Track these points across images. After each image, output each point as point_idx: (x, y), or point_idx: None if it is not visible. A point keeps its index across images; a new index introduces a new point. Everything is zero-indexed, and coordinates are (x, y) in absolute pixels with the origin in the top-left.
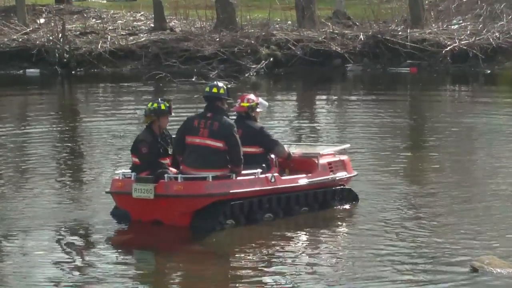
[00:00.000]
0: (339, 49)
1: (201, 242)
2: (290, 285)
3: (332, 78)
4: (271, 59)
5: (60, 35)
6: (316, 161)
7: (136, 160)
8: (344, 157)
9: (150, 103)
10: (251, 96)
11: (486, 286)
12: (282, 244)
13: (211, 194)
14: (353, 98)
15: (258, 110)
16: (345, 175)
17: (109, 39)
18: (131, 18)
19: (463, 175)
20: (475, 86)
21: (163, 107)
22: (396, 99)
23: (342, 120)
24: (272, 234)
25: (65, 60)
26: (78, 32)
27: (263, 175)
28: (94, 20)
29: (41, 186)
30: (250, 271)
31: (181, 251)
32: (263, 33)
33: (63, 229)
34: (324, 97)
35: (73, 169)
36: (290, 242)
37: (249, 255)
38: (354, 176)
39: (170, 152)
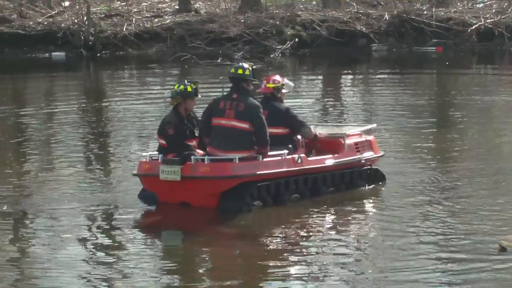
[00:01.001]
0: (364, 29)
1: (228, 224)
2: (316, 270)
3: (357, 58)
4: (296, 39)
5: (85, 18)
6: (343, 142)
7: (163, 141)
8: (370, 137)
9: (177, 85)
10: (277, 77)
11: None
12: (308, 226)
13: (237, 175)
14: (379, 78)
15: (283, 91)
16: (372, 155)
17: (134, 22)
18: (156, 0)
19: (489, 155)
20: (501, 65)
21: (189, 89)
22: (422, 79)
23: (367, 100)
24: (299, 215)
25: (90, 43)
26: (103, 15)
27: (289, 156)
28: (118, 2)
29: (68, 168)
30: (277, 253)
31: (208, 232)
32: (288, 14)
33: (90, 211)
34: (349, 77)
35: (99, 151)
36: (317, 225)
37: (276, 237)
38: (380, 156)
39: (196, 134)
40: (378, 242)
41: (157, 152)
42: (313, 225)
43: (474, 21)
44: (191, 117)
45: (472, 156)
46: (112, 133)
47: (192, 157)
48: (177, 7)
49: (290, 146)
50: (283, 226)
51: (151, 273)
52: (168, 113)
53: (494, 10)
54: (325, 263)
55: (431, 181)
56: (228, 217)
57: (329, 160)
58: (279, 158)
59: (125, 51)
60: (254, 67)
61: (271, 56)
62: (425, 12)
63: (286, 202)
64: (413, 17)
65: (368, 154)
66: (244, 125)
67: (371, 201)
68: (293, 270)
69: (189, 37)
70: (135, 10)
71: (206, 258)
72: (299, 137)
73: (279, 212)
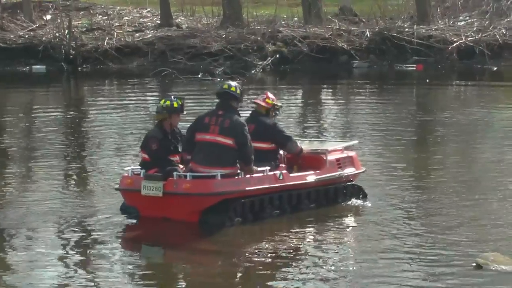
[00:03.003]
0: (346, 45)
1: (209, 239)
2: (295, 285)
3: (338, 75)
4: (277, 55)
5: (66, 31)
6: (324, 158)
7: (146, 156)
8: (352, 153)
9: (163, 100)
10: (273, 96)
11: (490, 282)
12: (288, 242)
13: (219, 192)
14: (359, 94)
15: (278, 112)
16: (353, 171)
17: (115, 36)
18: (138, 15)
19: (468, 172)
20: (481, 83)
21: (175, 104)
22: (402, 96)
23: (348, 116)
24: (279, 231)
25: (71, 56)
26: (84, 29)
27: (271, 173)
28: (100, 16)
29: (46, 181)
30: (257, 269)
31: (188, 248)
32: (270, 30)
33: (70, 225)
34: (330, 93)
35: (79, 165)
36: (297, 240)
37: (256, 253)
38: (362, 172)
39: (180, 149)
40: (357, 257)
41: (139, 167)
42: (293, 241)
43: (455, 39)
44: (175, 133)
45: (451, 173)
46: (92, 147)
47: (175, 173)
48: (159, 22)
49: (272, 162)
50: (263, 242)
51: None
52: (152, 128)
53: (475, 28)
54: (304, 278)
55: (411, 197)
56: (209, 233)
57: (311, 177)
58: (261, 174)
59: (106, 65)
60: (241, 87)
61: (252, 71)
62: (406, 29)
63: (266, 218)
64: (394, 34)
65: (349, 170)
66: (228, 141)
67: (351, 217)
68: (273, 285)
69: (170, 51)
70: (116, 24)
71: (186, 274)
72: (281, 152)
73: (259, 228)
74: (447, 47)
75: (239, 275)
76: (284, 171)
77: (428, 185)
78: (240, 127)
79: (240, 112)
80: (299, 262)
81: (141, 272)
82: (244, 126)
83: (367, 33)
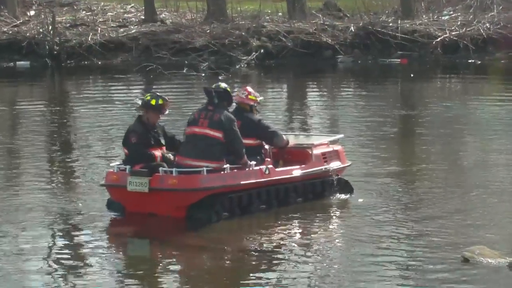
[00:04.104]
0: (330, 40)
1: (196, 234)
2: (282, 279)
3: (322, 70)
4: (262, 50)
5: (50, 27)
6: (310, 152)
7: (127, 151)
8: (338, 147)
9: (148, 95)
10: (253, 91)
11: (476, 275)
12: (274, 237)
13: (205, 187)
14: (344, 89)
15: (259, 106)
16: (339, 165)
17: (99, 31)
18: (122, 10)
19: (453, 166)
20: (465, 77)
21: (153, 102)
22: (387, 90)
23: (332, 111)
24: (266, 226)
25: (55, 52)
26: (68, 24)
27: (257, 168)
28: (84, 12)
29: (32, 179)
30: (243, 264)
31: (175, 243)
32: (254, 25)
33: (54, 220)
34: (315, 88)
35: (63, 160)
36: (283, 235)
37: (242, 248)
38: (348, 166)
39: (162, 142)
40: (343, 253)
41: (123, 163)
42: (279, 236)
43: (439, 33)
44: (156, 127)
45: (437, 166)
46: (76, 142)
47: (160, 169)
48: (143, 17)
49: (258, 157)
50: (249, 237)
51: (115, 284)
52: (133, 123)
53: (459, 23)
54: (290, 271)
55: (396, 192)
56: (196, 228)
57: (297, 171)
58: (247, 169)
59: (90, 61)
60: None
61: (236, 67)
62: (390, 24)
63: (253, 213)
64: (379, 29)
65: (335, 164)
66: (217, 134)
67: (336, 211)
68: (259, 280)
69: (155, 47)
70: (100, 20)
71: (172, 269)
72: (266, 147)
73: (245, 223)
74: (431, 42)
75: (224, 270)
76: (270, 166)
77: (413, 179)
78: (229, 121)
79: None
80: (285, 257)
81: (126, 268)
82: (234, 121)
83: (352, 28)
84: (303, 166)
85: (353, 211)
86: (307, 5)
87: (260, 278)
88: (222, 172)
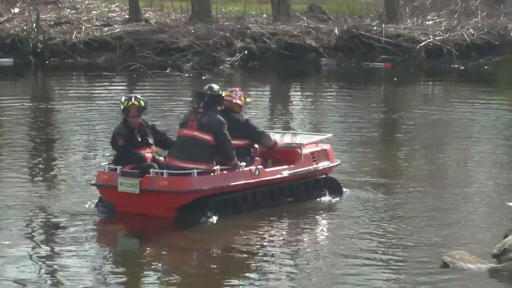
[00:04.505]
0: (314, 43)
1: (185, 235)
2: (268, 279)
3: (306, 72)
4: (246, 52)
5: (34, 25)
6: (299, 151)
7: (116, 153)
8: (326, 147)
9: (124, 98)
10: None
11: (456, 280)
12: (262, 238)
13: (196, 189)
14: (327, 92)
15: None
16: (328, 164)
17: (83, 30)
18: (106, 9)
19: (435, 171)
20: (448, 82)
21: (124, 103)
22: (370, 94)
23: (314, 113)
24: (254, 227)
25: (39, 50)
26: (52, 22)
27: (247, 168)
28: (68, 10)
29: (13, 175)
30: (232, 266)
31: (164, 244)
32: (238, 26)
33: (37, 217)
34: (298, 90)
35: (46, 158)
36: (270, 236)
37: (231, 249)
38: (337, 165)
39: (150, 141)
40: (326, 255)
41: (113, 163)
42: (266, 237)
43: (423, 38)
44: (143, 126)
45: (418, 171)
46: (58, 139)
47: (151, 170)
48: (127, 17)
49: (248, 158)
50: (238, 238)
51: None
52: (118, 124)
53: (443, 28)
54: (275, 272)
55: (375, 193)
56: (185, 229)
57: (286, 171)
58: (237, 170)
59: (73, 59)
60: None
61: (220, 67)
62: (374, 28)
63: (243, 213)
64: (363, 33)
65: (324, 164)
66: (206, 137)
67: (321, 213)
68: (246, 280)
69: (139, 46)
70: (84, 18)
71: (158, 269)
72: (256, 146)
73: (234, 224)
74: (415, 46)
75: (210, 271)
76: (260, 166)
77: (395, 182)
78: (218, 124)
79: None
80: (270, 257)
81: (113, 269)
82: (223, 124)
83: (336, 31)
84: (292, 166)
85: (337, 214)
86: (291, 8)
87: (245, 277)
88: (212, 174)
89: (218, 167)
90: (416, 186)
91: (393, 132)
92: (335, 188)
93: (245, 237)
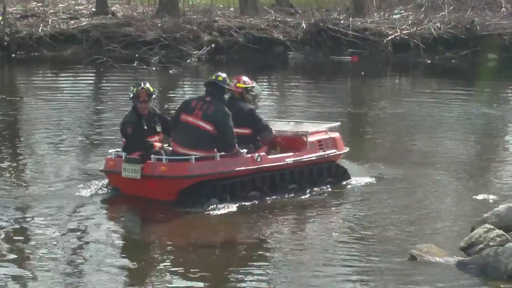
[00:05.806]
0: (281, 36)
1: (184, 223)
2: (266, 271)
3: (273, 66)
4: (213, 45)
5: (0, 18)
6: (305, 139)
7: (125, 140)
8: (334, 135)
9: (134, 85)
10: (247, 79)
11: (424, 273)
12: (265, 225)
13: (194, 175)
14: (294, 86)
15: (252, 93)
16: (335, 152)
17: (50, 23)
18: (73, 2)
19: (401, 165)
20: (415, 76)
21: (135, 90)
22: (337, 87)
23: (282, 107)
24: (254, 215)
25: (5, 43)
26: (18, 15)
27: (248, 155)
28: (35, 3)
29: None
30: (232, 255)
31: (166, 232)
32: (205, 20)
33: (20, 214)
34: (265, 84)
35: (11, 151)
36: (272, 224)
37: (231, 239)
38: (344, 152)
39: (158, 129)
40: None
41: (122, 150)
42: (268, 226)
43: (390, 32)
44: (151, 114)
45: (385, 165)
46: (24, 133)
47: (152, 156)
48: (94, 10)
49: (251, 145)
50: (237, 227)
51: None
52: (127, 113)
53: (410, 22)
54: (271, 262)
55: (343, 188)
56: (185, 216)
57: (290, 158)
58: (237, 157)
59: (40, 52)
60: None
61: (187, 61)
62: (342, 21)
63: (244, 199)
64: (330, 26)
65: (330, 152)
66: (208, 127)
67: (310, 203)
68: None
69: (105, 39)
70: (51, 11)
71: (162, 258)
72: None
73: (236, 212)
74: (382, 40)
75: (210, 261)
76: (263, 153)
77: (361, 176)
78: (222, 115)
79: None
80: (269, 246)
81: (114, 255)
82: (227, 115)
83: (303, 24)
84: (297, 153)
85: (307, 211)
86: (259, 1)
87: (247, 271)
88: (211, 160)
89: (218, 154)
90: (381, 180)
91: (359, 126)
92: (341, 175)
93: (245, 228)
